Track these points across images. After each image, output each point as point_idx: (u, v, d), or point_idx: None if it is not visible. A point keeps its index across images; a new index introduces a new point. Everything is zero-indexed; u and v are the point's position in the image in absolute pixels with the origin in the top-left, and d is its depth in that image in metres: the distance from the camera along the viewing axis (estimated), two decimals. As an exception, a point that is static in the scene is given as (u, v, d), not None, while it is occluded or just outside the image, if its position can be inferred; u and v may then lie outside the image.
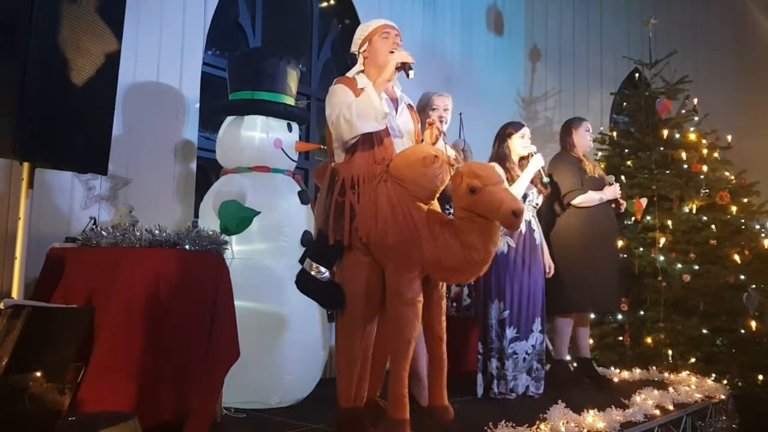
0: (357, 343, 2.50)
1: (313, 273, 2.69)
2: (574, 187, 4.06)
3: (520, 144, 3.78)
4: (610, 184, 4.17)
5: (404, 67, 2.55)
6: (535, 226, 3.82)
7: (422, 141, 2.73)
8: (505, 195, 2.36)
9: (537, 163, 3.68)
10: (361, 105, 2.46)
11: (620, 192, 4.20)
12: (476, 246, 2.38)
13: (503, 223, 2.36)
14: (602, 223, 4.11)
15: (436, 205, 2.58)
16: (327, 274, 2.68)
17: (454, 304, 4.43)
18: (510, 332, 3.63)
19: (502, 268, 3.65)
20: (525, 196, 3.71)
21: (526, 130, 3.83)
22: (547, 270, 3.87)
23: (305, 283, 2.65)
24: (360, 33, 2.73)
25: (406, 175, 2.45)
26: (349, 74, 2.71)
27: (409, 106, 2.79)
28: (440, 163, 2.44)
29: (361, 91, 2.55)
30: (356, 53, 2.75)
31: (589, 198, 4.06)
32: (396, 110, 2.69)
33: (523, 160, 3.78)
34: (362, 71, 2.70)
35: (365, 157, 2.52)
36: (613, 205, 4.19)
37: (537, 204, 3.84)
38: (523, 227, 3.70)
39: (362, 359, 2.52)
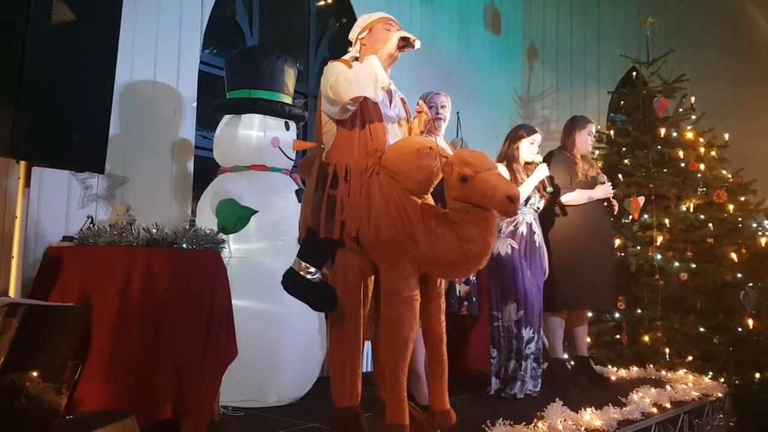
0: (351, 343, 2.43)
1: (302, 273, 2.55)
2: (563, 186, 4.07)
3: (528, 150, 3.78)
4: (602, 183, 4.15)
5: (406, 44, 2.46)
6: (536, 228, 3.81)
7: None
8: (499, 180, 2.27)
9: (541, 173, 3.70)
10: (363, 69, 2.37)
11: (612, 192, 4.19)
12: (474, 238, 2.29)
13: (499, 210, 2.27)
14: (597, 222, 4.13)
15: (429, 198, 2.49)
16: (317, 274, 2.54)
17: (465, 303, 4.42)
18: (527, 332, 3.62)
19: (509, 269, 3.64)
20: (527, 199, 3.72)
21: (537, 137, 3.82)
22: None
23: (293, 283, 2.44)
24: (362, 21, 2.66)
25: (400, 167, 2.36)
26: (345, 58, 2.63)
27: (402, 100, 2.74)
28: (434, 155, 2.34)
29: None
30: (353, 40, 2.67)
31: (576, 197, 4.07)
32: (390, 102, 2.63)
33: (528, 165, 3.79)
34: (357, 58, 2.61)
35: (357, 146, 2.42)
36: (606, 204, 4.18)
37: (539, 207, 3.84)
38: (524, 229, 3.71)
39: (356, 359, 2.45)
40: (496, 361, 3.64)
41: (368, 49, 2.58)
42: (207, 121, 3.96)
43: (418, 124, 2.63)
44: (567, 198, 4.07)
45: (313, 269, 2.39)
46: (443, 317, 2.51)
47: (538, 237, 3.83)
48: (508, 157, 3.78)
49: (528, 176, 3.71)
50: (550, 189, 3.82)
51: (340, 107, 2.39)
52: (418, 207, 2.39)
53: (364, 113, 2.46)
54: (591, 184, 4.15)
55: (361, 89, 2.34)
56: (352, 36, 2.68)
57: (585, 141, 4.24)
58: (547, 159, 4.13)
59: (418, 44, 2.46)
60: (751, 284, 4.71)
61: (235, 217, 3.00)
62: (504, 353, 3.64)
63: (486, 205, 2.27)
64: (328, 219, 2.37)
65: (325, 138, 2.52)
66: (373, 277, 2.52)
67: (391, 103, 2.63)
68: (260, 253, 3.23)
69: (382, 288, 2.39)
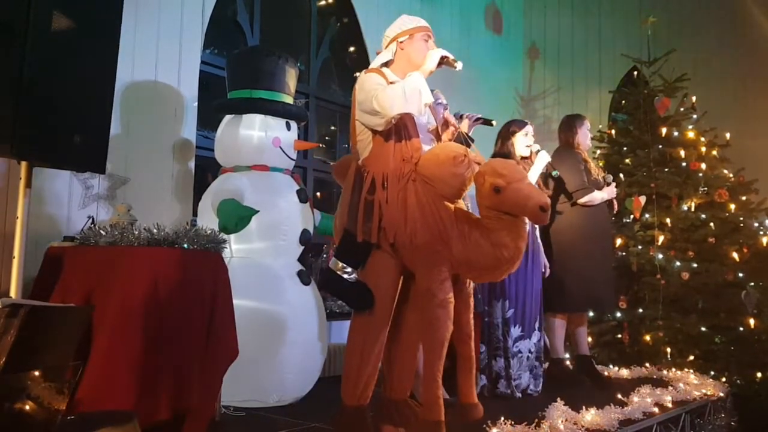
0: (375, 344, 2.49)
1: (338, 273, 2.64)
2: (581, 186, 4.06)
3: (523, 142, 3.77)
4: (608, 184, 4.18)
5: (445, 62, 2.55)
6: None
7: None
8: (531, 190, 2.39)
9: (543, 160, 3.68)
10: (410, 86, 2.41)
11: (616, 192, 4.22)
12: (506, 244, 2.40)
13: (531, 219, 2.42)
14: (599, 221, 4.13)
15: (460, 203, 2.58)
16: (353, 273, 2.63)
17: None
18: (515, 331, 3.62)
19: None
20: None
21: (529, 129, 3.81)
22: (543, 268, 3.86)
23: (332, 282, 2.65)
24: (402, 23, 2.69)
25: (436, 174, 2.44)
26: (375, 64, 2.68)
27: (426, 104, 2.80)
28: (469, 163, 2.43)
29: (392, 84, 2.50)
30: (389, 38, 2.69)
31: (593, 197, 4.07)
32: None
33: (525, 159, 3.77)
34: (388, 62, 2.67)
35: (394, 154, 2.50)
36: (607, 203, 4.21)
37: None
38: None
39: (375, 359, 2.52)
40: (483, 357, 3.64)
41: (404, 54, 2.66)
42: (208, 121, 3.96)
43: (447, 133, 2.72)
44: (586, 199, 4.06)
45: (349, 269, 2.45)
46: (471, 316, 2.59)
47: (538, 233, 3.83)
48: (503, 155, 3.73)
49: (527, 169, 3.68)
50: (555, 173, 3.81)
51: (385, 120, 2.46)
52: (452, 212, 2.48)
53: (399, 122, 2.53)
54: (601, 183, 4.16)
55: (408, 106, 2.41)
56: (389, 34, 2.71)
57: (586, 136, 4.27)
58: (557, 157, 4.12)
59: (459, 65, 2.56)
60: (752, 284, 4.70)
61: (236, 216, 2.99)
62: (491, 350, 3.63)
63: (519, 213, 2.39)
64: (366, 222, 2.46)
65: (360, 146, 2.59)
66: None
67: None
68: (261, 253, 3.23)
69: (419, 291, 2.47)
